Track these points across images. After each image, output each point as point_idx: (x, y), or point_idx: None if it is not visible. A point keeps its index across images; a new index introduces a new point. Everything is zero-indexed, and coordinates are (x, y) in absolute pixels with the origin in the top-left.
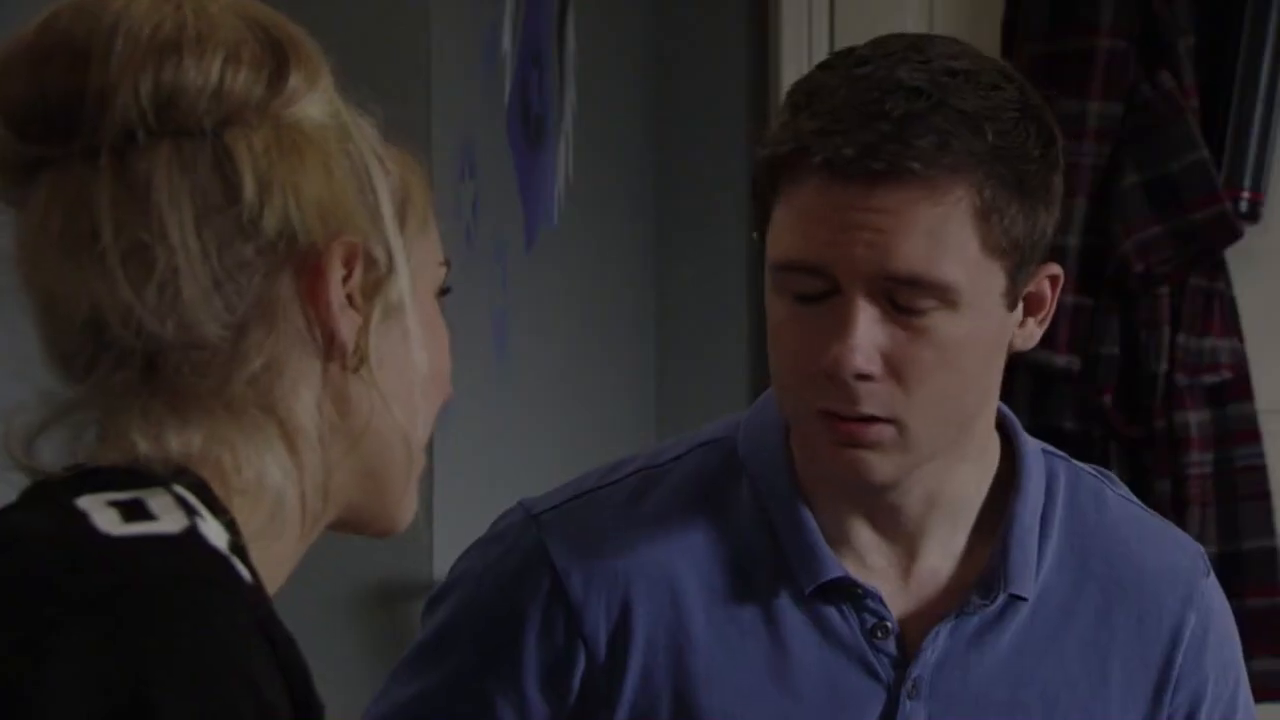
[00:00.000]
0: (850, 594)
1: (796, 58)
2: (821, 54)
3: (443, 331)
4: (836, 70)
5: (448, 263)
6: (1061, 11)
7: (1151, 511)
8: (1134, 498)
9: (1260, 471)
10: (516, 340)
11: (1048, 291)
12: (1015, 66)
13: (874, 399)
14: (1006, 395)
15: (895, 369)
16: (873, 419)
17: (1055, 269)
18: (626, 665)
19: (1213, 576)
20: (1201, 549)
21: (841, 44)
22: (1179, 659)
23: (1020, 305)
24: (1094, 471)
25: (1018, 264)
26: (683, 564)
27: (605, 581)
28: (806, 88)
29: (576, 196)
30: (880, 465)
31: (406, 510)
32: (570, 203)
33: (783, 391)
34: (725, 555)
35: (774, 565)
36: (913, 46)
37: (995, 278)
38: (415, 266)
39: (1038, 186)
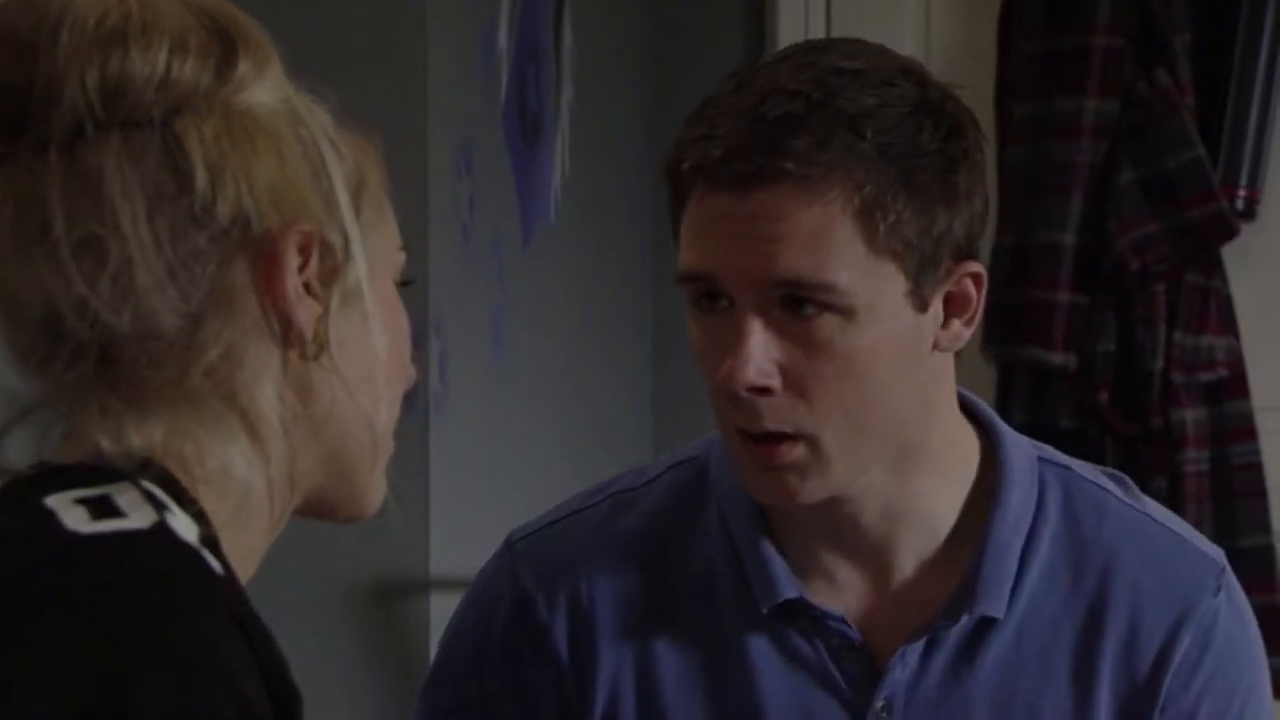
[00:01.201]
0: (809, 615)
1: None
2: None
3: (402, 317)
4: (733, 79)
5: (406, 249)
6: (1058, 9)
7: (1167, 521)
8: (1147, 505)
9: (1256, 469)
10: (514, 338)
11: (972, 291)
12: (1011, 64)
13: (775, 414)
14: (1003, 394)
15: (796, 382)
16: (782, 437)
17: (975, 267)
18: (594, 685)
19: (1226, 593)
20: (1220, 564)
21: None
22: (1167, 679)
23: (938, 306)
24: (1100, 478)
25: (919, 265)
26: (649, 585)
27: (569, 603)
28: (703, 99)
29: (574, 194)
30: (800, 486)
31: (374, 495)
32: (567, 200)
33: (713, 408)
34: (692, 576)
35: (738, 588)
36: (810, 50)
37: (892, 280)
38: (372, 252)
39: (930, 183)
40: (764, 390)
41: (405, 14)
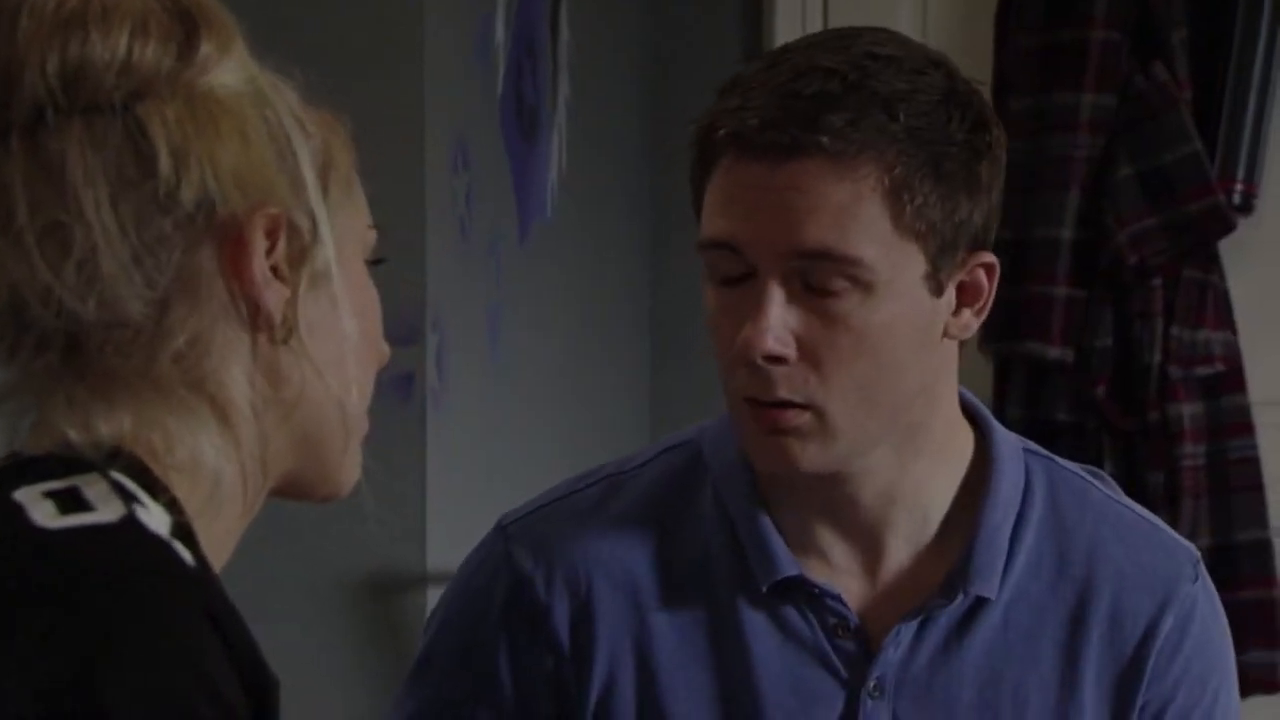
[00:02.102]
0: (807, 593)
1: None
2: None
3: (372, 296)
4: (765, 59)
5: (377, 227)
6: (1055, 3)
7: (1144, 514)
8: (1125, 499)
9: (1253, 464)
10: (511, 334)
11: (984, 281)
12: (1008, 59)
13: (789, 383)
14: (1001, 388)
15: (811, 354)
16: (790, 404)
17: (989, 258)
18: (592, 666)
19: (1202, 583)
20: (1196, 555)
21: None
22: (1150, 661)
23: (952, 294)
24: (1081, 471)
25: (939, 249)
26: (645, 565)
27: (567, 584)
28: (734, 76)
29: (571, 191)
30: (803, 453)
31: (348, 475)
32: (565, 196)
33: (722, 380)
34: (688, 556)
35: (735, 566)
36: (841, 36)
37: (913, 260)
38: (341, 231)
39: (955, 171)
40: (779, 359)
41: (402, 7)
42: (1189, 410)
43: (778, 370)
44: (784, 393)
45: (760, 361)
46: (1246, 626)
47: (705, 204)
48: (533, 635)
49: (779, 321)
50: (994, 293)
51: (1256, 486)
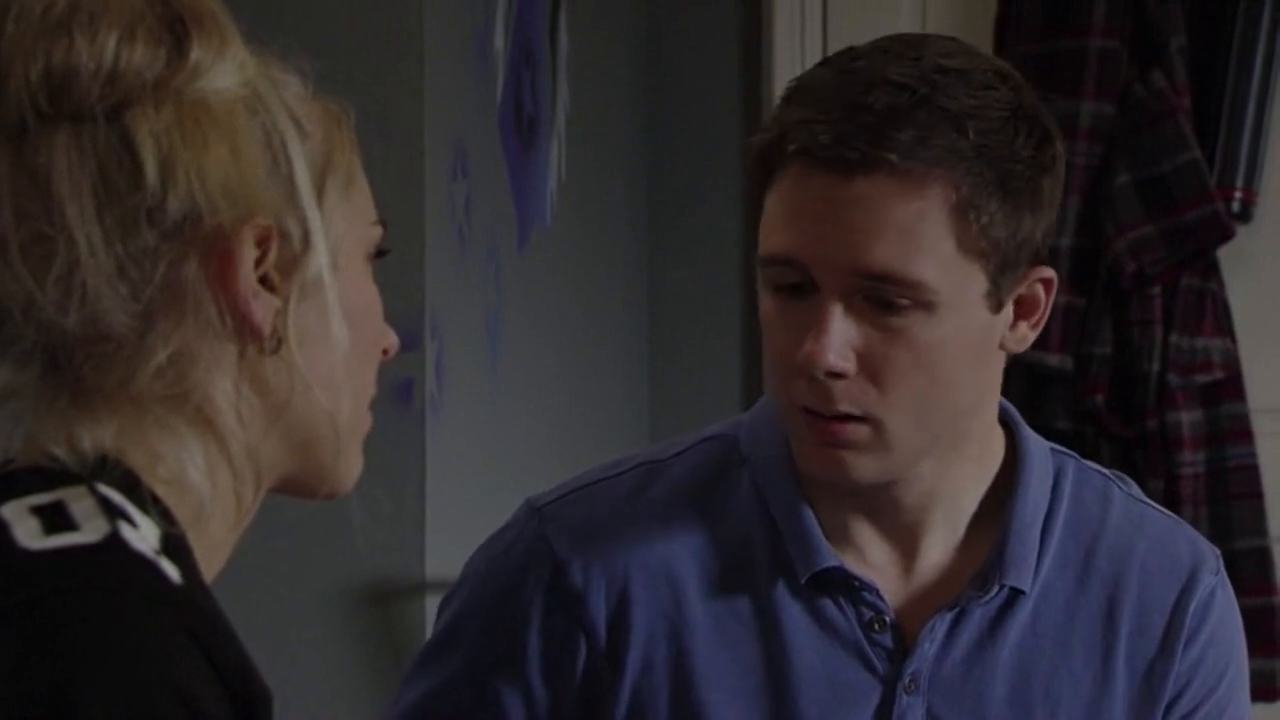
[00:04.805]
0: (846, 586)
1: (789, 60)
2: (814, 56)
3: (371, 294)
4: (831, 66)
5: (383, 223)
6: (1054, 11)
7: (1165, 511)
8: (1146, 498)
9: (1252, 471)
10: (510, 341)
11: (1041, 295)
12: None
13: (849, 397)
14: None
15: (871, 368)
16: (848, 418)
17: (1048, 272)
18: (627, 653)
19: (1222, 579)
20: (1218, 552)
21: (834, 45)
22: (1179, 644)
23: (1010, 308)
24: (1105, 472)
25: (1000, 266)
26: (682, 555)
27: (605, 570)
28: (799, 82)
29: (570, 197)
30: (859, 465)
31: (346, 473)
32: (563, 203)
33: (774, 386)
34: (724, 547)
35: (772, 557)
36: (909, 45)
37: (974, 279)
38: (339, 234)
39: (1022, 188)
40: (839, 374)
41: (402, 17)
42: (1188, 418)
43: (837, 385)
44: (844, 406)
45: (822, 377)
46: (1246, 634)
47: (766, 215)
48: (567, 619)
49: (840, 337)
50: (1050, 305)
51: (1255, 494)
